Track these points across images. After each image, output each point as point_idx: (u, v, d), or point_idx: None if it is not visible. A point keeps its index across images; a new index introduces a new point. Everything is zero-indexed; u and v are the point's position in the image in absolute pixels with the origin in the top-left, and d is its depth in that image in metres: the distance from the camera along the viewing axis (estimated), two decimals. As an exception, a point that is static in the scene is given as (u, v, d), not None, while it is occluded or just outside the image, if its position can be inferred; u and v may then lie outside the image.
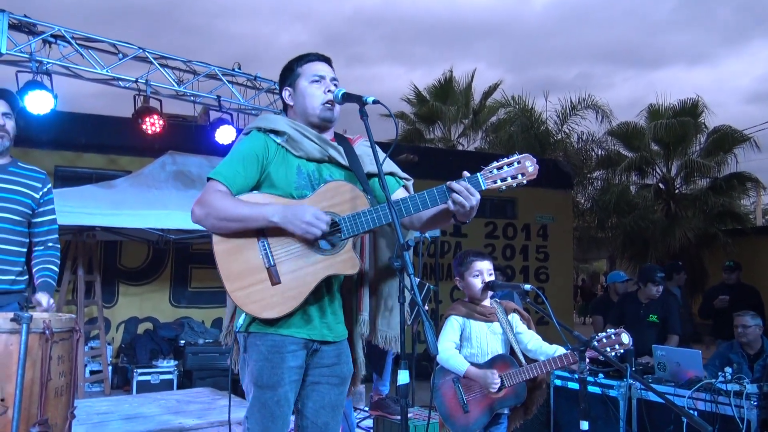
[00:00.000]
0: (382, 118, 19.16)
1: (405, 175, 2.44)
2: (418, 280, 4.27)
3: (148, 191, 7.18)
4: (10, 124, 2.99)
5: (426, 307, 4.40)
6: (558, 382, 5.21)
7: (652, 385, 3.66)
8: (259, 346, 2.18)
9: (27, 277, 3.01)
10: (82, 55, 5.49)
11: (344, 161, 2.31)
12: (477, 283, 3.36)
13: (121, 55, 5.73)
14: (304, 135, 2.27)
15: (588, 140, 16.44)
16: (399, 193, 2.32)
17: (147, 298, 9.00)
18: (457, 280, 3.47)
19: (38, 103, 5.17)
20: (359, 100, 2.14)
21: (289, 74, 2.39)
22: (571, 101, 16.34)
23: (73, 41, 5.37)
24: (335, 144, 2.34)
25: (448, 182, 2.07)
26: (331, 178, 2.26)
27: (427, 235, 5.40)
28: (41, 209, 3.06)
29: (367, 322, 2.39)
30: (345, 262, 2.16)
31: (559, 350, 3.23)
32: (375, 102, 2.12)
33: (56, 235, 3.14)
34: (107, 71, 5.64)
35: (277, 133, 2.27)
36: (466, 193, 2.05)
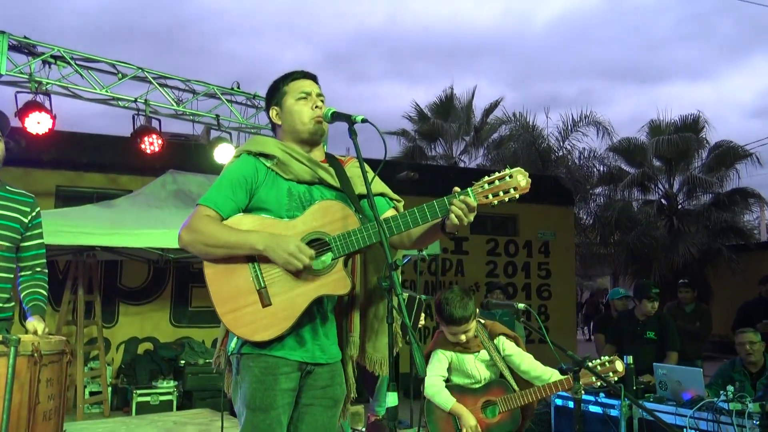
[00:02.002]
0: (386, 136, 19.28)
1: (396, 196, 2.43)
2: (407, 293, 4.27)
3: (148, 210, 7.18)
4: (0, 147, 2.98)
5: (422, 319, 4.39)
6: (559, 402, 5.16)
7: (644, 404, 3.62)
8: (252, 368, 2.16)
9: (14, 304, 2.98)
10: (81, 75, 5.53)
11: (335, 182, 2.31)
12: (452, 339, 3.36)
13: (120, 75, 5.77)
14: (293, 157, 2.27)
15: (590, 156, 16.45)
16: (388, 214, 2.30)
17: (147, 318, 8.98)
18: (438, 320, 3.42)
19: (37, 124, 5.20)
20: (348, 119, 2.14)
21: (275, 93, 2.39)
22: (572, 117, 16.40)
23: (72, 62, 5.41)
24: (326, 165, 2.34)
25: (447, 197, 2.06)
26: (322, 199, 2.25)
27: (424, 253, 5.36)
28: (29, 233, 3.04)
29: (357, 343, 2.38)
30: (336, 282, 2.15)
31: (555, 374, 3.21)
32: (364, 121, 2.12)
33: (44, 260, 3.11)
34: (107, 91, 5.67)
35: (266, 156, 2.26)
36: (466, 210, 2.04)
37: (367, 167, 2.35)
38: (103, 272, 8.61)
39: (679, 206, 16.50)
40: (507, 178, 2.09)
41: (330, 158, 2.42)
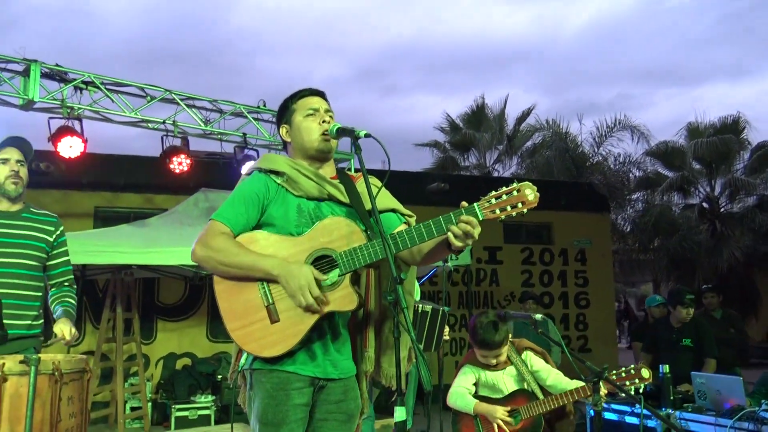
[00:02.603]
0: (416, 148, 19.20)
1: (407, 211, 2.42)
2: (431, 306, 4.25)
3: (182, 228, 7.31)
4: (23, 172, 3.09)
5: (446, 332, 4.36)
6: (593, 413, 5.03)
7: (681, 414, 3.49)
8: (263, 383, 2.17)
9: (42, 321, 3.08)
10: (111, 99, 5.69)
11: (344, 198, 2.32)
12: (483, 360, 3.41)
13: (148, 98, 5.92)
14: (301, 173, 2.29)
15: (625, 161, 16.16)
16: (400, 230, 2.30)
17: (185, 334, 9.12)
18: (470, 342, 3.49)
19: (70, 148, 5.36)
20: (351, 133, 2.15)
21: (284, 112, 2.43)
22: (606, 123, 16.15)
23: (102, 86, 5.57)
24: (335, 182, 2.35)
25: (453, 212, 2.05)
26: (331, 216, 2.26)
27: (450, 264, 5.33)
28: (55, 252, 3.15)
29: (372, 359, 2.37)
30: (343, 298, 2.14)
31: (578, 385, 3.17)
32: (367, 136, 2.13)
33: (71, 276, 3.22)
34: (136, 114, 5.82)
35: (276, 173, 2.29)
36: (470, 228, 2.02)
37: (376, 181, 2.35)
38: (140, 290, 8.80)
39: (722, 209, 16.06)
40: (514, 192, 2.07)
41: (341, 174, 2.43)
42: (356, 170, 2.45)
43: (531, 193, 2.07)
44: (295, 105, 2.39)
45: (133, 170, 8.92)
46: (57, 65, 5.40)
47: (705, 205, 16.24)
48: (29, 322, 2.96)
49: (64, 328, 2.85)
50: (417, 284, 4.80)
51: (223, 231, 2.18)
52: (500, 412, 3.20)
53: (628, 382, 2.96)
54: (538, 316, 2.67)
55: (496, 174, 18.46)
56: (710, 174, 16.06)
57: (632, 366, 3.04)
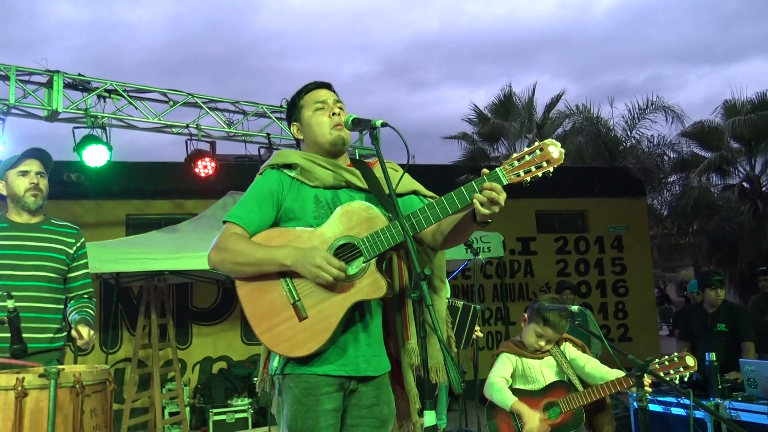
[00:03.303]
0: (445, 141, 18.99)
1: (429, 192, 2.32)
2: (462, 303, 4.11)
3: (211, 232, 7.28)
4: (43, 183, 3.06)
5: (477, 330, 4.23)
6: (636, 405, 4.85)
7: (731, 404, 3.31)
8: (292, 389, 2.10)
9: (66, 333, 3.05)
10: (135, 106, 5.69)
11: (362, 184, 2.24)
12: (533, 342, 3.24)
13: (171, 103, 5.91)
14: (315, 163, 2.23)
15: (660, 144, 15.72)
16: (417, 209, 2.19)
17: (220, 338, 9.14)
18: (524, 318, 3.36)
19: (95, 157, 5.38)
20: (368, 124, 2.06)
21: (293, 109, 2.37)
22: (638, 105, 15.73)
23: (125, 93, 5.57)
24: (351, 168, 2.27)
25: (475, 180, 1.95)
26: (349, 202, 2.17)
27: (480, 257, 5.19)
28: (75, 264, 3.13)
29: (416, 350, 2.25)
30: (370, 285, 2.06)
31: (619, 374, 3.02)
32: (384, 125, 2.03)
33: (91, 289, 3.19)
34: (159, 119, 5.81)
35: (289, 166, 2.23)
36: (495, 193, 1.91)
37: (395, 166, 2.26)
38: (174, 295, 8.85)
39: (764, 188, 15.51)
40: (537, 151, 1.94)
41: (356, 162, 2.36)
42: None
43: (555, 149, 1.93)
44: (303, 101, 2.33)
45: (161, 177, 8.98)
46: (79, 74, 5.42)
47: (745, 184, 15.70)
48: (51, 335, 2.94)
49: (81, 330, 2.80)
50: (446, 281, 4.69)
51: (236, 232, 2.12)
52: (536, 420, 3.06)
53: (672, 371, 2.80)
54: (575, 308, 2.53)
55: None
56: (750, 152, 15.51)
57: (675, 354, 2.87)
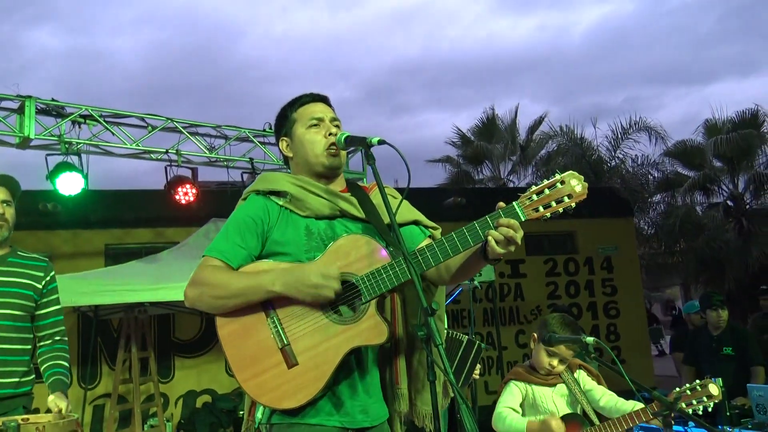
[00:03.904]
0: (429, 165, 18.92)
1: (432, 223, 2.11)
2: (466, 338, 3.88)
3: (192, 261, 7.00)
4: (9, 212, 2.81)
5: (476, 370, 3.99)
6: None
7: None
8: None
9: (33, 377, 2.78)
10: (111, 132, 5.47)
11: (359, 213, 2.02)
12: (545, 362, 2.99)
13: (149, 128, 5.70)
14: (307, 190, 1.99)
15: (644, 163, 15.75)
16: (424, 244, 1.98)
17: (204, 370, 8.81)
18: (534, 338, 3.12)
19: (69, 185, 5.14)
20: (363, 142, 1.86)
21: (284, 122, 2.13)
22: (621, 125, 15.77)
23: (101, 119, 5.35)
24: (347, 195, 2.05)
25: (489, 215, 1.76)
26: (345, 234, 1.95)
27: (476, 282, 4.99)
28: (44, 300, 2.86)
29: (406, 396, 2.03)
30: (370, 329, 1.83)
31: (637, 407, 2.79)
32: (381, 143, 1.83)
33: (63, 327, 2.93)
34: (138, 145, 5.59)
35: (278, 193, 2.00)
36: (512, 230, 1.72)
37: (394, 192, 2.06)
38: (155, 327, 8.53)
39: (747, 206, 15.54)
40: (558, 184, 1.77)
41: (352, 187, 2.13)
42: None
43: (578, 183, 1.78)
44: (296, 114, 2.09)
45: (141, 205, 8.72)
46: (53, 100, 5.20)
47: (729, 203, 15.72)
48: (17, 379, 2.67)
49: (59, 403, 2.54)
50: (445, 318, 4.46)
51: (215, 264, 1.89)
52: (555, 423, 2.78)
53: (695, 401, 2.60)
54: (590, 339, 2.31)
55: (511, 185, 18.13)
56: (732, 171, 15.57)
57: (698, 382, 2.66)
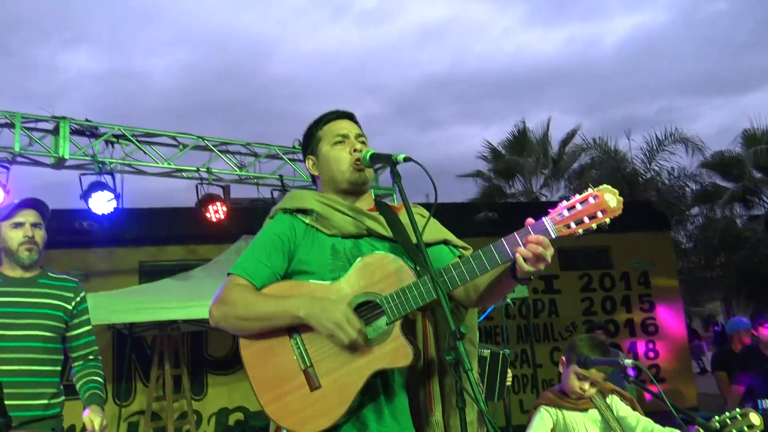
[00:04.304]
0: (460, 179, 18.85)
1: (462, 243, 2.04)
2: (489, 349, 3.78)
3: (224, 278, 7.07)
4: (39, 235, 2.83)
5: (508, 377, 3.89)
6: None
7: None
8: None
9: (62, 398, 2.78)
10: (143, 151, 5.54)
11: (386, 232, 1.96)
12: (576, 386, 2.88)
13: (181, 147, 5.75)
14: (333, 208, 1.95)
15: (680, 175, 15.40)
16: (451, 263, 1.91)
17: (236, 388, 8.80)
18: (562, 361, 3.01)
19: (102, 204, 5.21)
20: (389, 159, 1.80)
21: (310, 141, 2.10)
22: (656, 137, 15.48)
23: (133, 138, 5.42)
24: (374, 214, 2.00)
25: (517, 232, 1.68)
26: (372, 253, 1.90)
27: (509, 299, 4.88)
28: (75, 321, 2.87)
29: (441, 424, 1.94)
30: (395, 351, 1.76)
31: None
32: (407, 160, 1.77)
33: (95, 347, 2.94)
34: (169, 164, 5.65)
35: (304, 211, 1.97)
36: (541, 247, 1.63)
37: (423, 211, 2.00)
38: (188, 344, 8.56)
39: (790, 218, 15.08)
40: (591, 199, 1.67)
41: (380, 206, 2.08)
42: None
43: (612, 197, 1.67)
44: (321, 132, 2.06)
45: (174, 222, 8.82)
46: (87, 120, 5.29)
47: (771, 214, 15.30)
48: (46, 401, 2.66)
49: (94, 419, 2.58)
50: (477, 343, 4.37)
51: (240, 283, 1.87)
52: None
53: (734, 430, 2.46)
54: (628, 362, 2.21)
55: (543, 199, 17.91)
56: (773, 182, 15.18)
57: (738, 411, 2.53)
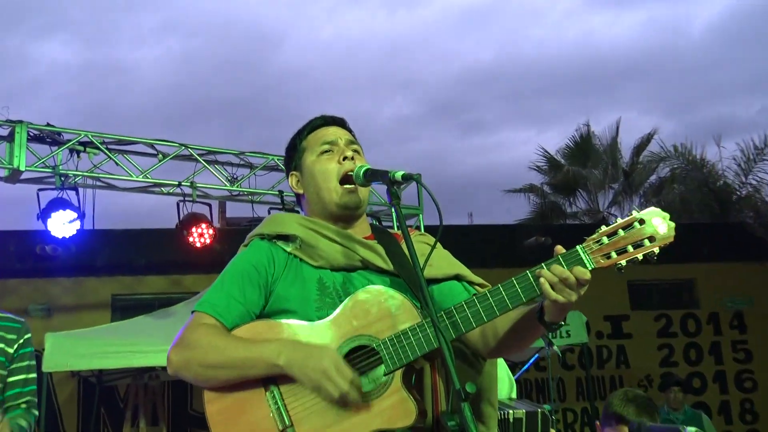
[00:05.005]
0: (508, 195, 18.84)
1: (479, 279, 2.05)
2: (524, 409, 3.77)
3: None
4: None
5: None
6: None
7: None
8: None
9: None
10: (115, 161, 5.64)
11: (386, 264, 1.97)
12: None
13: (160, 156, 5.84)
14: (320, 234, 1.98)
15: (785, 192, 15.17)
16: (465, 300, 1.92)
17: (227, 450, 8.84)
18: (597, 427, 3.08)
19: (62, 225, 5.30)
20: (384, 177, 1.82)
21: (292, 154, 2.14)
22: (754, 144, 15.30)
23: (103, 146, 5.52)
24: (371, 242, 2.01)
25: (545, 263, 1.70)
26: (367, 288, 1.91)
27: (556, 348, 4.84)
28: (14, 366, 2.93)
29: None
30: (394, 408, 1.76)
31: None
32: (405, 178, 1.78)
33: (31, 398, 2.99)
34: (146, 177, 5.74)
35: (285, 238, 1.99)
36: (564, 284, 1.65)
37: (429, 239, 2.02)
38: (169, 397, 8.63)
39: None
40: (636, 224, 1.70)
41: (378, 232, 2.10)
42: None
43: (662, 223, 1.70)
44: (306, 141, 2.10)
45: (154, 248, 8.94)
46: (48, 125, 5.40)
47: None
48: None
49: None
50: (511, 377, 4.34)
51: (207, 323, 1.88)
52: None
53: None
54: (692, 429, 2.20)
55: (613, 219, 17.80)
56: None
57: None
